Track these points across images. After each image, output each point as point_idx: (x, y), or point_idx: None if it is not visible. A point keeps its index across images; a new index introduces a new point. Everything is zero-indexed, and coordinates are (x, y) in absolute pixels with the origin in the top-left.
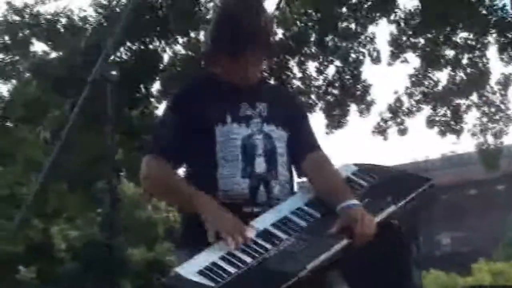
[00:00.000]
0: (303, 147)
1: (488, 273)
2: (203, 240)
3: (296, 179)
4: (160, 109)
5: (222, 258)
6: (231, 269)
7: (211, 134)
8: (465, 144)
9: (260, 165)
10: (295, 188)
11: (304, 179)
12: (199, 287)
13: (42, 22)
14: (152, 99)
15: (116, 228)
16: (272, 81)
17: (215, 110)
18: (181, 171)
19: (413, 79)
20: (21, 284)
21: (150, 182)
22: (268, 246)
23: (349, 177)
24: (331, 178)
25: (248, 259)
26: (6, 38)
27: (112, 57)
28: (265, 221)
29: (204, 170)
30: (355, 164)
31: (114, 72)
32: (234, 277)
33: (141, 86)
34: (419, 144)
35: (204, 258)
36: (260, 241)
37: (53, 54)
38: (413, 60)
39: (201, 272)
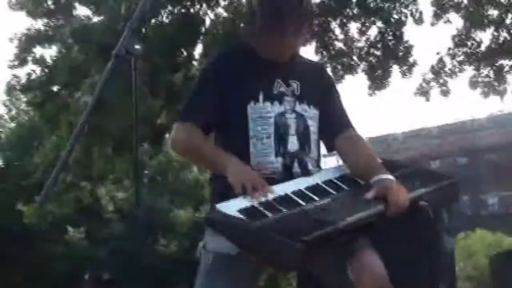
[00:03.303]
0: (336, 125)
1: None
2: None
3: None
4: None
5: (259, 204)
6: (269, 213)
7: (244, 111)
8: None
9: (293, 144)
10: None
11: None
12: (241, 223)
13: None
14: (195, 63)
15: (161, 190)
16: (313, 44)
17: (249, 86)
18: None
19: (456, 39)
20: (70, 244)
21: (176, 145)
22: (302, 202)
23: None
24: (365, 155)
25: (284, 209)
26: (50, 2)
27: (153, 21)
28: (298, 184)
29: (236, 145)
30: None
31: (138, 47)
32: (274, 219)
33: (183, 50)
34: (464, 105)
35: (240, 203)
36: (294, 197)
37: (96, 19)
38: (456, 21)
39: (241, 211)
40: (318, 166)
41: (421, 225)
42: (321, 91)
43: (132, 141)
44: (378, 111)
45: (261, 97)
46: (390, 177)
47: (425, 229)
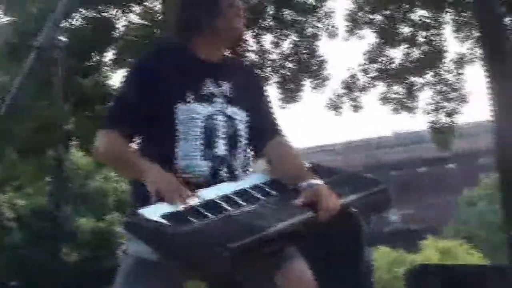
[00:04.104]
0: (264, 130)
1: (436, 251)
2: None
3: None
4: (113, 78)
5: (184, 209)
6: (194, 219)
7: (171, 112)
8: (418, 122)
9: (221, 147)
10: (251, 170)
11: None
12: (164, 228)
13: None
14: (105, 68)
15: (65, 198)
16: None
17: (177, 87)
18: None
19: (369, 55)
20: None
21: (97, 154)
22: (229, 208)
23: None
24: (293, 161)
25: (209, 215)
26: None
27: (64, 24)
28: (224, 189)
29: (163, 148)
30: (309, 163)
31: (62, 38)
32: (199, 224)
33: (94, 54)
34: (372, 121)
35: (164, 208)
36: (220, 202)
37: (5, 19)
38: (370, 37)
39: (164, 216)
40: (246, 170)
41: (350, 232)
42: (252, 95)
43: (38, 145)
44: (288, 124)
45: (189, 98)
46: (319, 182)
47: (353, 237)
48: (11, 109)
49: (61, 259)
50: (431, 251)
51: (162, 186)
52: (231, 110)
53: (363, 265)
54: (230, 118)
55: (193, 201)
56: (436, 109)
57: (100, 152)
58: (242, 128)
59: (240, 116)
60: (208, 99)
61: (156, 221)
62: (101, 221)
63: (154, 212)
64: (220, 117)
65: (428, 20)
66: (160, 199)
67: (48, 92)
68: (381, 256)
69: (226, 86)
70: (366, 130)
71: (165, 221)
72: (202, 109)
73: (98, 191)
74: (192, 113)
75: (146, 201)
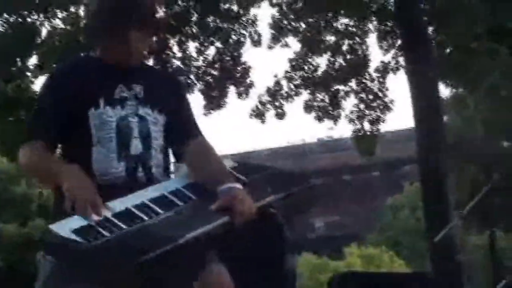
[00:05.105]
0: (183, 132)
1: (359, 258)
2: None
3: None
4: (36, 83)
5: (97, 222)
6: (106, 232)
7: (85, 118)
8: (341, 129)
9: (136, 147)
10: (171, 173)
11: (181, 164)
12: (74, 244)
13: None
14: (29, 73)
15: None
16: (151, 60)
17: (89, 93)
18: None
19: (293, 63)
20: None
21: (21, 166)
22: (144, 216)
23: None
24: (213, 164)
25: (123, 225)
26: None
27: None
28: (142, 196)
29: (80, 153)
30: (236, 161)
31: None
32: (111, 237)
33: (17, 59)
34: (297, 128)
35: (76, 221)
36: (136, 211)
37: None
38: (294, 44)
39: (75, 231)
40: (165, 173)
41: (269, 234)
42: (168, 98)
43: None
44: (212, 131)
45: (101, 103)
46: (237, 185)
47: (274, 240)
48: None
49: None
50: (354, 258)
51: (76, 195)
52: (143, 111)
53: (286, 270)
54: (142, 119)
55: (107, 212)
56: (359, 117)
57: (23, 163)
58: (155, 129)
59: (153, 117)
60: (120, 102)
61: (67, 238)
62: (24, 227)
63: (66, 227)
64: (133, 118)
65: (352, 29)
66: (72, 210)
67: None
68: (304, 263)
69: (138, 88)
70: (291, 137)
71: (75, 237)
72: (114, 112)
73: (22, 197)
74: (104, 117)
75: (63, 211)
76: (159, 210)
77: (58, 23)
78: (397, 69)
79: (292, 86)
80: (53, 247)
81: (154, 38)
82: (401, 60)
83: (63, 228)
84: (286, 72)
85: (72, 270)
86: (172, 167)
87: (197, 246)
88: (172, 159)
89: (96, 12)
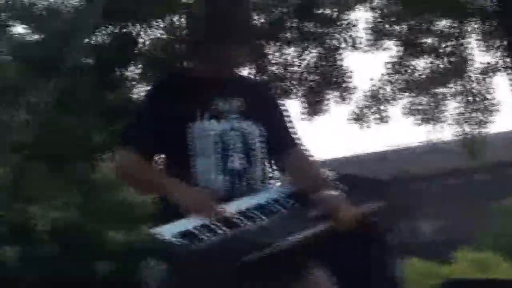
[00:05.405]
0: (281, 143)
1: (471, 263)
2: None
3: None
4: (137, 92)
5: (198, 226)
6: (208, 235)
7: (184, 131)
8: (445, 133)
9: (236, 161)
10: (270, 185)
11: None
12: (177, 247)
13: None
14: (128, 83)
15: (94, 211)
16: (248, 68)
17: (189, 106)
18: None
19: (392, 66)
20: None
21: (119, 172)
22: (246, 221)
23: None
24: (312, 172)
25: (226, 229)
26: None
27: (88, 41)
28: (240, 205)
29: (179, 166)
30: (333, 170)
31: (85, 60)
32: (209, 243)
33: (117, 69)
34: (399, 132)
35: (181, 225)
36: (236, 218)
37: (33, 37)
38: (392, 48)
39: (176, 235)
40: (263, 184)
41: (370, 242)
42: (263, 109)
43: (69, 160)
44: (314, 136)
45: (203, 116)
46: (337, 193)
47: (374, 247)
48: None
49: (92, 270)
50: (466, 263)
51: (193, 202)
52: (242, 124)
53: (389, 277)
54: (241, 132)
55: (219, 215)
56: (463, 120)
57: (123, 171)
58: (254, 142)
59: (252, 129)
60: (219, 115)
61: (169, 242)
62: (131, 234)
63: (171, 230)
64: (232, 132)
65: (452, 30)
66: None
67: (76, 107)
68: (412, 268)
69: (236, 101)
70: (395, 141)
71: (176, 240)
72: (214, 126)
73: (127, 204)
74: (204, 130)
75: (167, 217)
76: (261, 216)
77: (156, 32)
78: (501, 69)
79: (391, 90)
80: (161, 253)
81: (250, 47)
82: (505, 61)
83: (165, 232)
84: (382, 75)
85: (180, 273)
86: (270, 179)
87: (296, 251)
88: (270, 170)
89: (193, 24)
